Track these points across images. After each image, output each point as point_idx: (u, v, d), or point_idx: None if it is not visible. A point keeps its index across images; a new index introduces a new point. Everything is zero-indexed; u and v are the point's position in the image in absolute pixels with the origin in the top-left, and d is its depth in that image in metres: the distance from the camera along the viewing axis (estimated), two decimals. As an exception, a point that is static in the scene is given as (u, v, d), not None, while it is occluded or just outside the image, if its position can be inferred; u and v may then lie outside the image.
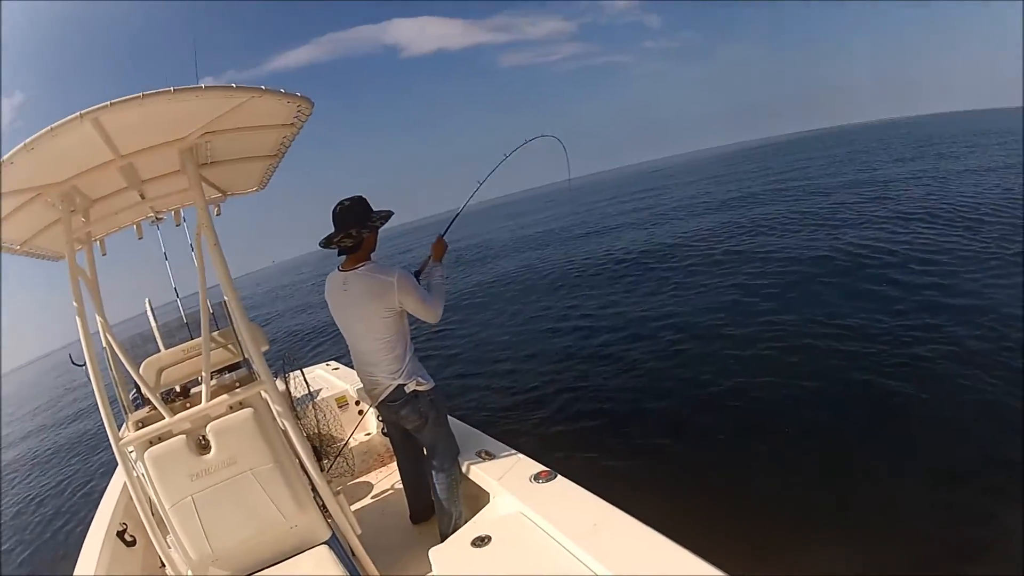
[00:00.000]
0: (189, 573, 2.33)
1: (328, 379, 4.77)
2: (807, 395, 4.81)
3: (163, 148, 2.20)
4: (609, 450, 4.65)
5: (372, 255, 2.71)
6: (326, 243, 2.63)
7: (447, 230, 3.05)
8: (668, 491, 3.76)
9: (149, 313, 3.50)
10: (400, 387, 2.65)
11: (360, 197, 2.65)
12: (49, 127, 1.68)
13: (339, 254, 2.70)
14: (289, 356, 4.12)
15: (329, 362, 5.28)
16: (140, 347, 2.88)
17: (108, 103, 1.69)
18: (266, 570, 2.29)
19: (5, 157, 1.70)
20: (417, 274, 2.86)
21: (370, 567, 2.55)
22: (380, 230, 2.73)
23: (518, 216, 38.22)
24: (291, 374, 3.91)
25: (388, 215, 2.70)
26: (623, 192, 37.45)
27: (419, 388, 2.67)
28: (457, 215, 3.26)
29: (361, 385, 2.95)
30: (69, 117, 1.69)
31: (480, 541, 2.08)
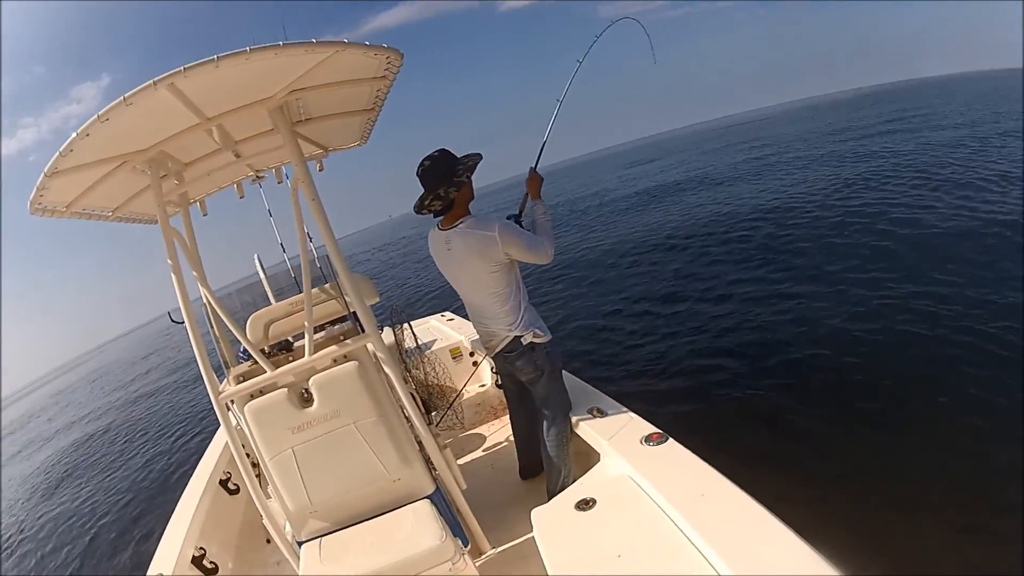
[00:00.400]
0: (287, 524, 2.37)
1: (442, 330, 4.76)
2: (972, 380, 4.09)
3: (252, 108, 2.16)
4: (725, 415, 4.42)
5: (471, 207, 2.60)
6: (418, 209, 2.55)
7: (538, 161, 2.88)
8: (785, 464, 3.56)
9: (259, 268, 3.55)
10: (517, 339, 2.59)
11: (442, 151, 2.52)
12: (122, 97, 1.64)
13: (435, 216, 2.60)
14: (398, 308, 4.09)
15: (444, 313, 5.28)
16: (250, 305, 2.90)
17: (182, 68, 1.64)
18: (364, 523, 2.28)
19: (80, 129, 1.68)
20: (518, 217, 2.77)
21: (473, 523, 2.53)
22: (477, 178, 2.59)
23: (636, 165, 36.63)
24: (401, 326, 3.88)
25: (475, 161, 2.54)
26: (736, 142, 34.75)
27: (536, 340, 2.60)
28: (544, 143, 3.03)
29: (476, 336, 2.88)
30: (142, 86, 1.64)
31: (584, 504, 2.02)
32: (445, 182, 2.47)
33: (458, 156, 2.54)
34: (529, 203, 2.78)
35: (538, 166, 2.84)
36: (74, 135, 1.69)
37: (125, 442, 10.99)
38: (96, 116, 1.65)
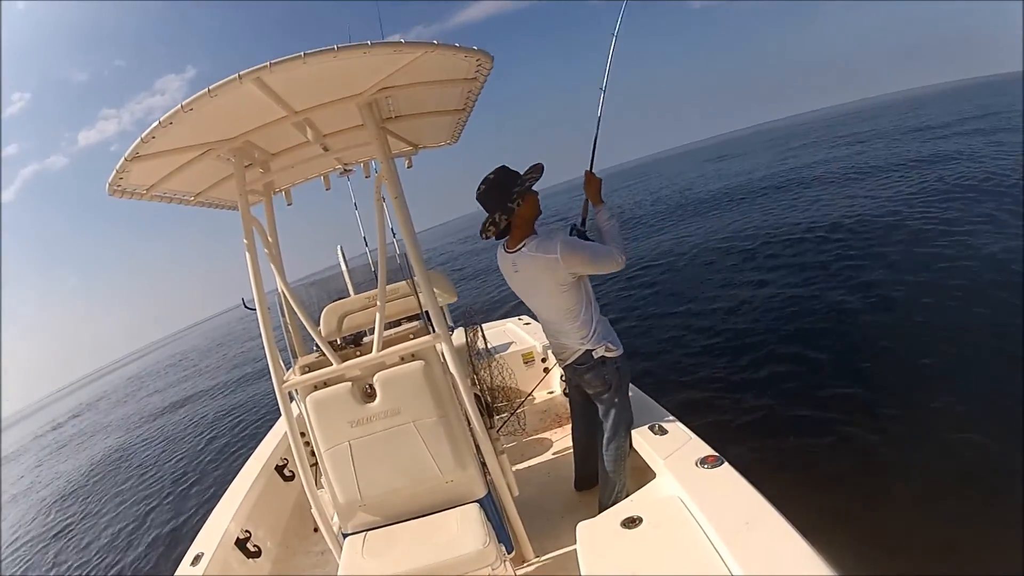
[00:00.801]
0: (335, 515, 2.39)
1: (518, 334, 4.72)
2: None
3: (341, 103, 2.17)
4: (787, 442, 4.19)
5: (536, 224, 2.53)
6: (483, 235, 2.52)
7: (592, 161, 2.74)
8: (837, 496, 3.43)
9: (341, 260, 3.59)
10: (588, 352, 2.55)
11: (501, 168, 2.46)
12: (206, 89, 1.66)
13: (495, 239, 2.58)
14: (472, 310, 4.03)
15: (522, 316, 5.23)
16: (324, 300, 2.92)
17: (268, 64, 1.64)
18: (409, 521, 2.29)
19: (163, 118, 1.70)
20: (582, 225, 2.70)
21: (520, 530, 2.51)
22: (541, 189, 2.52)
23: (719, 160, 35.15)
24: (474, 328, 3.82)
25: (536, 174, 2.47)
26: (822, 138, 32.47)
27: (607, 354, 2.55)
28: (596, 140, 2.86)
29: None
30: (227, 79, 1.65)
31: (631, 522, 2.01)
32: (499, 207, 2.41)
33: (519, 173, 2.47)
34: (591, 210, 2.67)
35: (594, 166, 2.71)
36: (156, 123, 1.71)
37: (194, 425, 11.66)
38: (180, 106, 1.67)
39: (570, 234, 2.66)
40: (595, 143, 2.83)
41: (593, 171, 2.67)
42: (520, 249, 2.48)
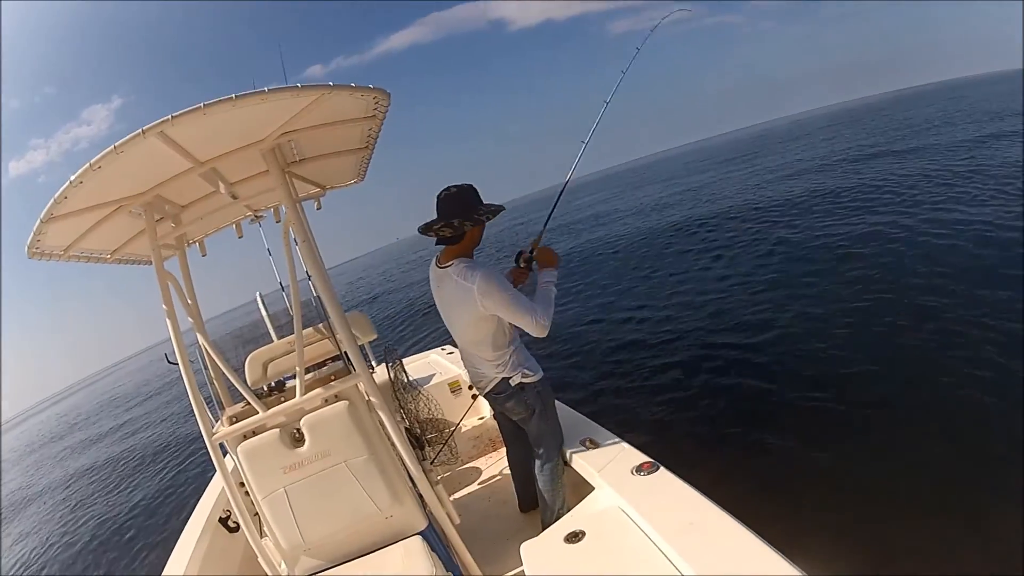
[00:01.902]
0: (282, 563, 2.38)
1: (442, 363, 4.77)
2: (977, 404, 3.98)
3: (244, 151, 2.21)
4: (718, 440, 4.40)
5: (474, 251, 2.55)
6: (424, 230, 2.46)
7: (542, 234, 2.80)
8: (775, 488, 3.55)
9: (261, 307, 3.59)
10: (505, 380, 2.55)
11: (469, 186, 2.47)
12: (112, 146, 1.70)
13: (437, 243, 2.49)
14: (391, 347, 4.11)
15: (445, 346, 5.27)
16: (240, 347, 2.92)
17: (170, 117, 1.69)
18: (355, 560, 2.30)
19: (73, 177, 1.73)
20: (530, 254, 2.69)
21: (466, 557, 2.53)
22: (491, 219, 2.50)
23: (634, 187, 36.59)
24: (395, 363, 3.89)
25: (498, 210, 2.46)
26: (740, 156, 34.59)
27: (525, 380, 2.55)
28: (561, 192, 3.06)
29: None
30: (131, 135, 1.70)
31: (574, 537, 2.04)
32: (464, 214, 2.39)
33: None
34: (540, 271, 2.63)
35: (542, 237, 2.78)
36: (67, 183, 1.74)
37: (125, 472, 10.99)
38: (88, 164, 1.70)
39: (515, 261, 2.71)
40: (560, 194, 3.06)
41: (541, 243, 2.71)
42: (447, 267, 2.46)
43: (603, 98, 3.18)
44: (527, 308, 2.36)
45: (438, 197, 2.45)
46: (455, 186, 2.45)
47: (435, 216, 2.44)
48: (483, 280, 2.34)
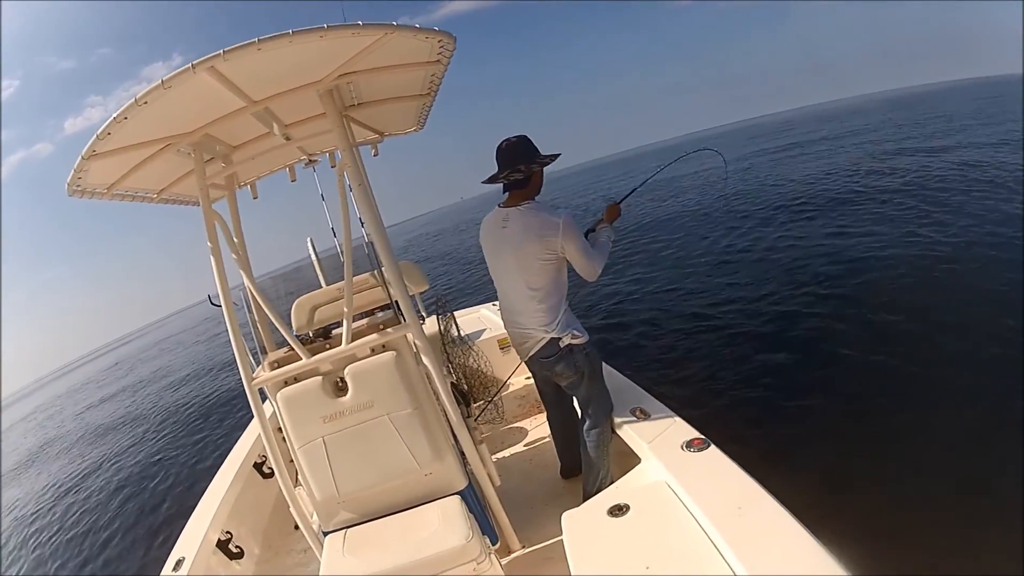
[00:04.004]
0: (314, 514, 2.35)
1: (493, 320, 4.65)
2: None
3: (301, 91, 2.11)
4: (773, 421, 4.21)
5: (536, 197, 2.55)
6: (493, 178, 2.51)
7: (623, 199, 2.87)
8: (829, 476, 3.43)
9: (311, 251, 3.54)
10: (554, 341, 2.49)
11: (525, 136, 2.50)
12: (160, 80, 1.60)
13: (504, 191, 2.54)
14: (443, 298, 4.00)
15: (495, 302, 5.16)
16: (293, 293, 2.87)
17: (221, 52, 1.59)
18: (390, 516, 2.24)
19: (118, 112, 1.65)
20: (587, 231, 2.70)
21: (504, 521, 2.47)
22: (547, 171, 2.59)
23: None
24: (446, 316, 3.79)
25: (555, 156, 2.54)
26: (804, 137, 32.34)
27: (574, 342, 2.49)
28: (635, 189, 3.11)
29: None
30: (180, 69, 1.60)
31: (618, 510, 1.96)
32: (528, 159, 2.45)
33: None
34: (601, 226, 2.72)
35: (623, 202, 2.86)
36: (111, 118, 1.66)
37: (167, 421, 11.34)
38: (134, 99, 1.61)
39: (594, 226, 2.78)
40: (632, 192, 3.09)
41: (620, 204, 2.80)
42: (520, 206, 2.47)
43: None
44: (592, 255, 2.47)
45: (499, 148, 2.48)
46: (513, 137, 2.49)
47: (496, 170, 2.49)
48: (568, 218, 2.40)
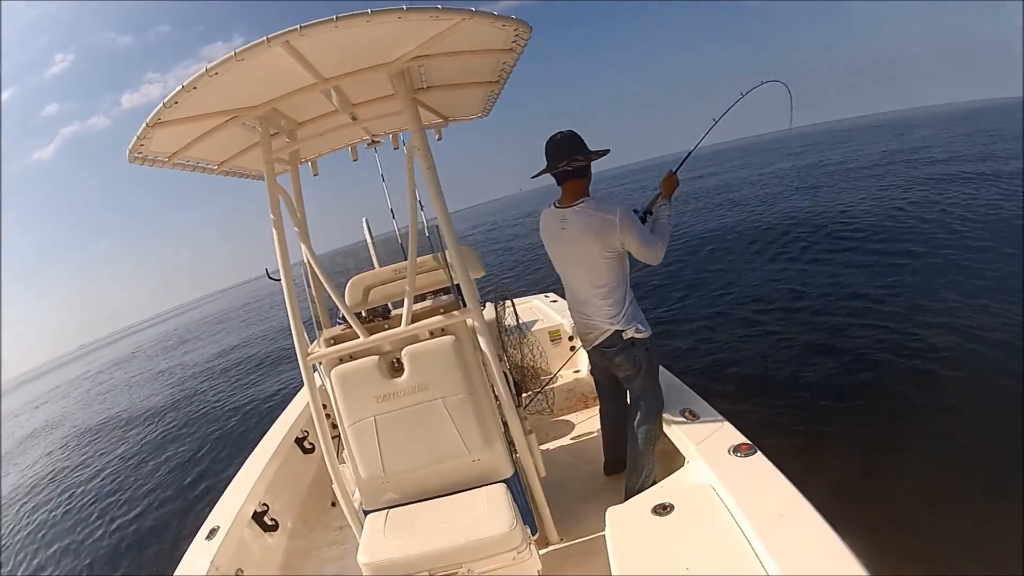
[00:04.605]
0: (356, 491, 2.36)
1: (545, 311, 4.67)
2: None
3: (372, 72, 2.09)
4: (822, 433, 4.16)
5: (590, 190, 2.55)
6: (550, 168, 2.50)
7: (680, 167, 2.81)
8: (876, 490, 3.42)
9: (366, 232, 3.53)
10: (618, 333, 2.52)
11: (573, 131, 2.50)
12: (233, 52, 1.58)
13: (559, 184, 2.54)
14: (501, 285, 3.96)
15: (548, 293, 5.15)
16: (351, 272, 2.88)
17: (298, 27, 1.57)
18: (433, 500, 2.24)
19: (187, 82, 1.63)
20: (645, 212, 2.70)
21: (545, 513, 2.47)
22: (597, 170, 2.59)
23: (751, 165, 34.24)
24: (503, 303, 3.77)
25: (604, 152, 2.54)
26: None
27: (637, 336, 2.52)
28: (691, 152, 2.97)
29: None
30: (255, 42, 1.58)
31: (662, 509, 1.97)
32: (580, 151, 2.46)
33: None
34: (659, 203, 2.68)
35: (679, 170, 2.78)
36: (180, 87, 1.65)
37: (215, 395, 11.60)
38: (204, 69, 1.60)
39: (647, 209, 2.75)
40: (689, 154, 2.94)
41: (677, 173, 2.74)
42: (575, 205, 2.47)
43: (711, 116, 3.06)
44: (654, 241, 2.47)
45: (549, 142, 2.49)
46: (561, 132, 2.49)
47: (545, 164, 2.51)
48: (624, 212, 2.40)
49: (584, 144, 2.48)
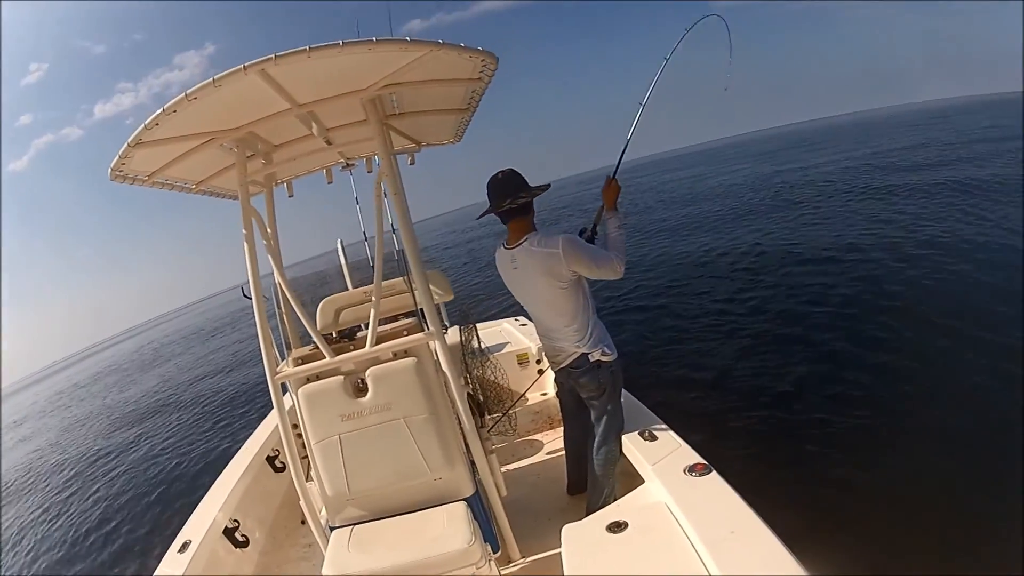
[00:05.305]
0: (323, 508, 2.40)
1: (514, 334, 4.73)
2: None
3: (345, 98, 2.18)
4: (778, 454, 4.24)
5: (535, 224, 2.58)
6: (494, 208, 2.50)
7: (616, 170, 2.77)
8: (826, 507, 3.46)
9: (341, 254, 3.59)
10: (584, 355, 2.55)
11: (512, 169, 2.53)
12: (211, 79, 1.67)
13: (503, 222, 2.56)
14: (467, 309, 4.04)
15: (518, 317, 5.21)
16: (318, 288, 2.93)
17: (273, 56, 1.66)
18: (396, 517, 2.30)
19: (167, 105, 1.72)
20: (593, 230, 2.73)
21: (507, 530, 2.52)
22: (545, 194, 2.61)
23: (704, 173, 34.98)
24: (469, 327, 3.83)
25: (545, 187, 2.58)
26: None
27: (603, 358, 2.55)
28: (624, 151, 2.90)
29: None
30: (232, 70, 1.67)
31: (616, 527, 2.01)
32: (518, 190, 2.48)
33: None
34: (604, 215, 2.67)
35: (617, 175, 2.73)
36: (160, 110, 1.72)
37: (184, 409, 11.50)
38: (184, 94, 1.68)
39: (579, 235, 2.72)
40: (623, 154, 2.87)
41: (616, 178, 2.69)
42: (521, 244, 2.49)
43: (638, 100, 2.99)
44: (607, 258, 2.46)
45: (491, 182, 2.50)
46: (501, 171, 2.51)
47: (488, 200, 2.53)
48: (565, 239, 2.40)
49: (525, 181, 2.51)
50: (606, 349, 2.55)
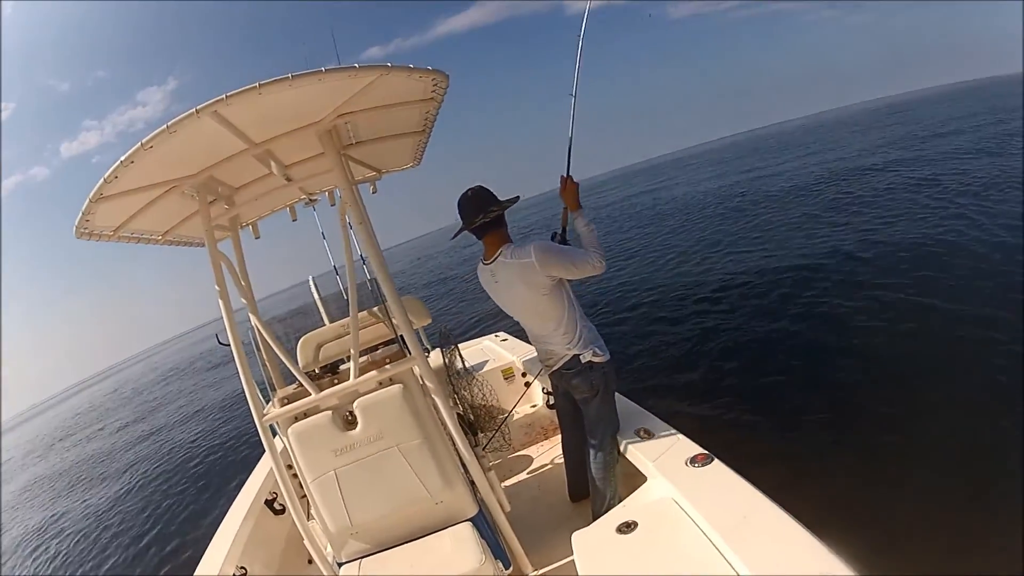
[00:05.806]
0: (328, 545, 2.37)
1: (496, 350, 4.74)
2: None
3: (301, 132, 2.18)
4: (774, 431, 4.31)
5: (509, 235, 2.61)
6: (467, 226, 2.52)
7: (568, 166, 2.71)
8: (830, 481, 3.53)
9: (314, 291, 3.58)
10: (576, 357, 2.57)
11: (481, 186, 2.56)
12: (165, 126, 1.66)
13: (479, 238, 2.58)
14: (447, 331, 4.05)
15: (499, 333, 5.23)
16: (292, 325, 2.90)
17: (224, 96, 1.65)
18: (403, 545, 2.28)
19: (124, 157, 1.70)
20: (563, 233, 2.75)
21: (515, 545, 2.50)
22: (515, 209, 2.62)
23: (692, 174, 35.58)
24: (450, 348, 3.83)
25: (514, 200, 2.58)
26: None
27: (595, 359, 2.57)
28: (571, 144, 2.86)
29: (528, 357, 2.92)
30: (184, 114, 1.66)
31: (626, 527, 1.99)
32: (492, 204, 2.49)
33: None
34: (570, 217, 2.67)
35: (570, 171, 2.68)
36: (118, 162, 1.71)
37: (176, 455, 11.16)
38: (140, 144, 1.67)
39: (551, 239, 2.72)
40: (570, 147, 2.83)
41: (570, 175, 2.65)
42: (497, 258, 2.51)
43: (569, 92, 2.96)
44: (583, 256, 2.46)
45: (461, 201, 2.52)
46: (470, 189, 2.53)
47: (459, 217, 2.54)
48: (537, 247, 2.42)
49: (494, 195, 2.53)
50: (597, 350, 2.57)
